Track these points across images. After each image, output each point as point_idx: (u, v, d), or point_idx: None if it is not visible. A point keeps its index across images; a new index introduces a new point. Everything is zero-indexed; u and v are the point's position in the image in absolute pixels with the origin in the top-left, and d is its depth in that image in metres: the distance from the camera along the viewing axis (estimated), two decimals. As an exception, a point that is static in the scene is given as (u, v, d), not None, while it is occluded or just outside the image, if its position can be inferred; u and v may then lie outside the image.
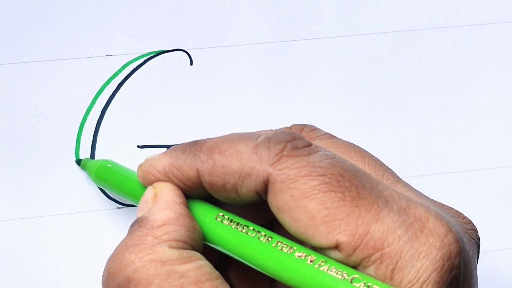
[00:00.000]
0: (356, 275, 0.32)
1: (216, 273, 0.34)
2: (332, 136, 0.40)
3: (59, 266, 0.46)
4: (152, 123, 0.48)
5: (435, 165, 0.52)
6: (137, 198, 0.39)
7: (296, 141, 0.35)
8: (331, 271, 0.32)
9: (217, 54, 0.48)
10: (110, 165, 0.45)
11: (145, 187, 0.38)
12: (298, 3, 0.49)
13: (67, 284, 0.46)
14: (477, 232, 0.37)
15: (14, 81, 0.46)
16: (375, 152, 0.51)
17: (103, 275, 0.35)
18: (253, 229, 0.35)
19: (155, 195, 0.37)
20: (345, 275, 0.32)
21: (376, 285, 0.32)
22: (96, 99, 0.47)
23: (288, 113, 0.49)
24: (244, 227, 0.35)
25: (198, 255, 0.35)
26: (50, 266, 0.46)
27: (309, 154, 0.34)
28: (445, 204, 0.38)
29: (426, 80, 0.51)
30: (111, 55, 0.47)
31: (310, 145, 0.35)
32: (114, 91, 0.47)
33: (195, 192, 0.38)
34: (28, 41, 0.46)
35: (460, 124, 0.52)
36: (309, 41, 0.49)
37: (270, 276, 0.35)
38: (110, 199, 0.47)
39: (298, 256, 0.33)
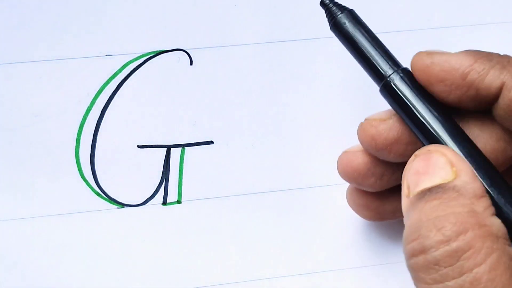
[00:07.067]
0: None
1: None
2: None
3: (59, 266, 0.46)
4: (152, 123, 0.48)
5: (435, 165, 0.52)
6: None
7: None
8: None
9: (217, 54, 0.48)
10: None
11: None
12: (297, 3, 0.49)
13: (67, 284, 0.46)
14: None
15: (14, 81, 0.46)
16: (375, 152, 0.51)
17: (428, 237, 0.31)
18: None
19: (451, 164, 0.32)
20: None
21: None
22: (96, 99, 0.47)
23: (287, 113, 0.49)
24: None
25: None
26: (50, 266, 0.46)
27: None
28: None
29: (426, 80, 0.51)
30: (111, 55, 0.47)
31: None
32: (114, 91, 0.47)
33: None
34: (28, 41, 0.46)
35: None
36: (308, 41, 0.49)
37: None
38: (110, 199, 0.47)
39: None
